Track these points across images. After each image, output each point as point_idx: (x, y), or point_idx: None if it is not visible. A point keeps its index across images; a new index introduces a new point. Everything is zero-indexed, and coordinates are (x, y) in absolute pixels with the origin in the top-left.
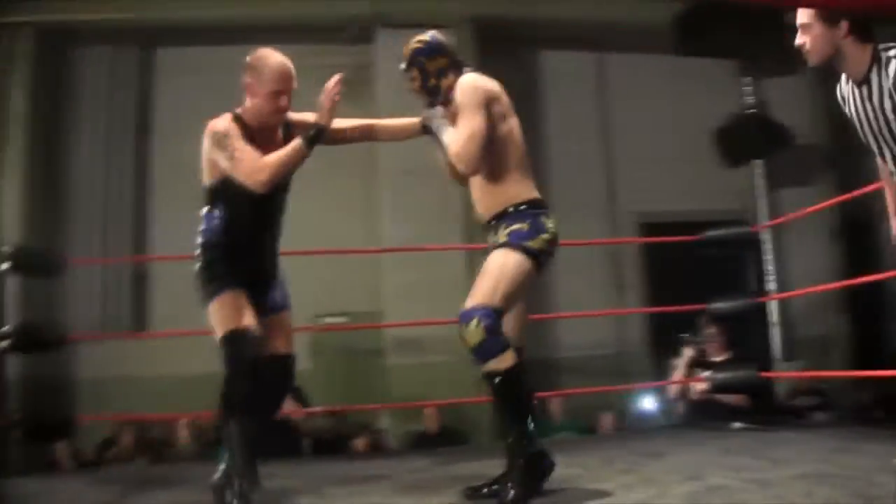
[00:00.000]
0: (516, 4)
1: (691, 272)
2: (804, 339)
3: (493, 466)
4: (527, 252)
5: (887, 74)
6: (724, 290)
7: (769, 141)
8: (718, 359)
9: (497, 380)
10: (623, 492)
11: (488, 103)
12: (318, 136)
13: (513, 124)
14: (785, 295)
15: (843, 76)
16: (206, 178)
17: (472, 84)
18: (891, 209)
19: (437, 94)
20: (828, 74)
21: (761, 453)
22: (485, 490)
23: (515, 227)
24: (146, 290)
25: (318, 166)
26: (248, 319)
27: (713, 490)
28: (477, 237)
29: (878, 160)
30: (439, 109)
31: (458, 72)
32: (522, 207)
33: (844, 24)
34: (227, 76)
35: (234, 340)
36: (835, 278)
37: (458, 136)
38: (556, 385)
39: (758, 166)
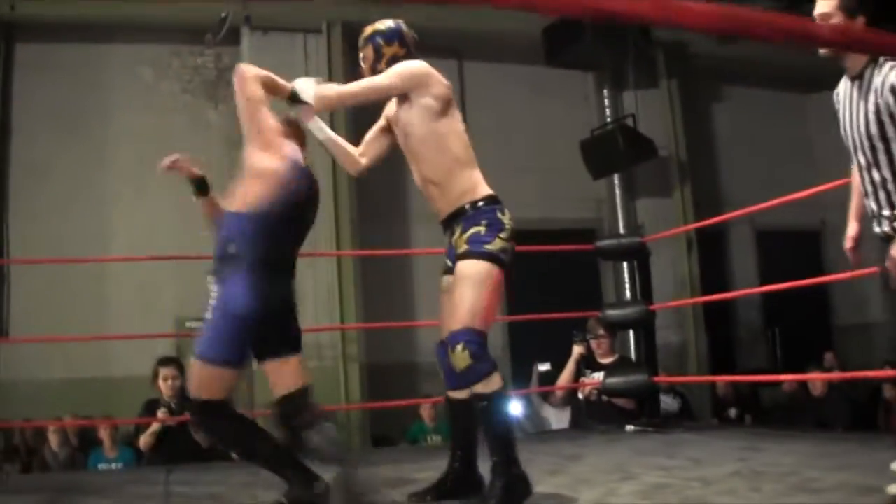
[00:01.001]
0: (382, 11)
1: (545, 280)
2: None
3: None
4: (491, 258)
5: (879, 72)
6: (577, 299)
7: (631, 153)
8: (606, 361)
9: (484, 403)
10: (570, 492)
11: (424, 84)
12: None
13: (459, 119)
14: (662, 305)
15: (844, 76)
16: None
17: (418, 64)
18: (852, 214)
19: None
20: (689, 88)
21: (673, 454)
22: (428, 497)
23: (473, 230)
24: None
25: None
26: None
27: (661, 488)
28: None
29: (853, 167)
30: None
31: None
32: (480, 204)
33: (862, 18)
34: (92, 73)
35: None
36: (689, 288)
37: (358, 83)
38: (422, 390)
39: (617, 177)
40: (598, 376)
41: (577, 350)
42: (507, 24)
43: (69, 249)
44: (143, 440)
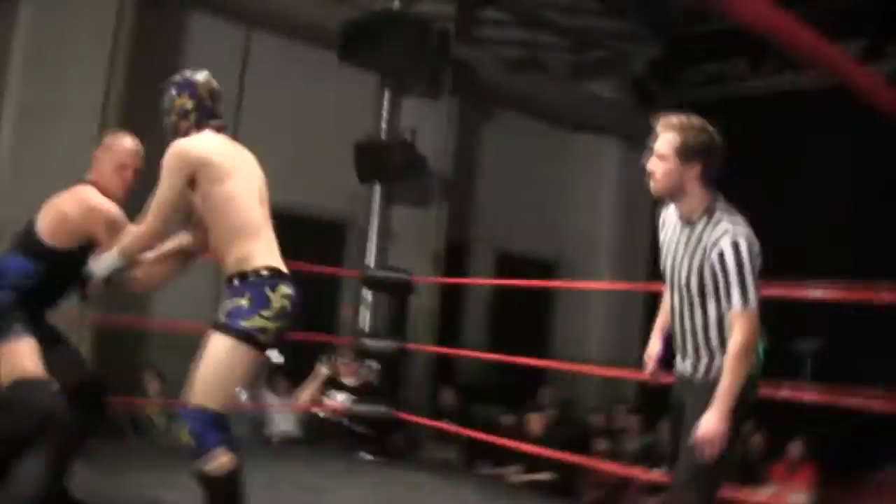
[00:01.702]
0: None
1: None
2: None
3: None
4: (243, 336)
5: (712, 230)
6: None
7: (403, 168)
8: (351, 382)
9: (204, 484)
10: None
11: (193, 171)
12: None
13: (235, 185)
14: (418, 347)
15: (673, 207)
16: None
17: (178, 151)
18: (655, 332)
19: (174, 133)
20: (466, 107)
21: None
22: None
23: (235, 303)
24: None
25: None
26: None
27: None
28: None
29: (666, 288)
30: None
31: (200, 125)
32: (250, 279)
33: (698, 166)
34: None
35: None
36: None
37: (149, 208)
38: None
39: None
40: (341, 397)
41: (323, 371)
42: (305, 6)
43: None
44: None
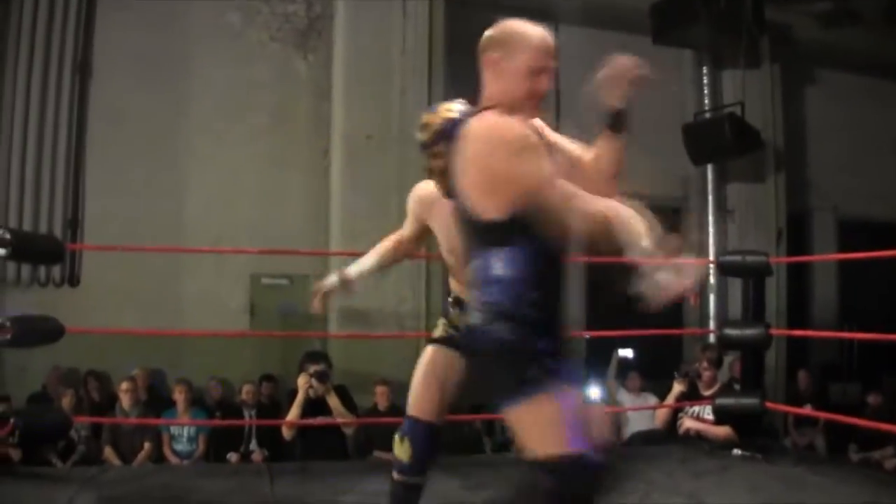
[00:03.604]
0: None
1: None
2: None
3: None
4: None
5: None
6: None
7: (738, 143)
8: (709, 392)
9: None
10: None
11: None
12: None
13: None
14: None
15: None
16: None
17: None
18: None
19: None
20: (789, 73)
21: None
22: None
23: None
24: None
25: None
26: None
27: None
28: None
29: None
30: None
31: None
32: None
33: None
34: (177, 18)
35: None
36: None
37: None
38: None
39: None
40: (698, 410)
41: (677, 387)
42: None
43: (144, 199)
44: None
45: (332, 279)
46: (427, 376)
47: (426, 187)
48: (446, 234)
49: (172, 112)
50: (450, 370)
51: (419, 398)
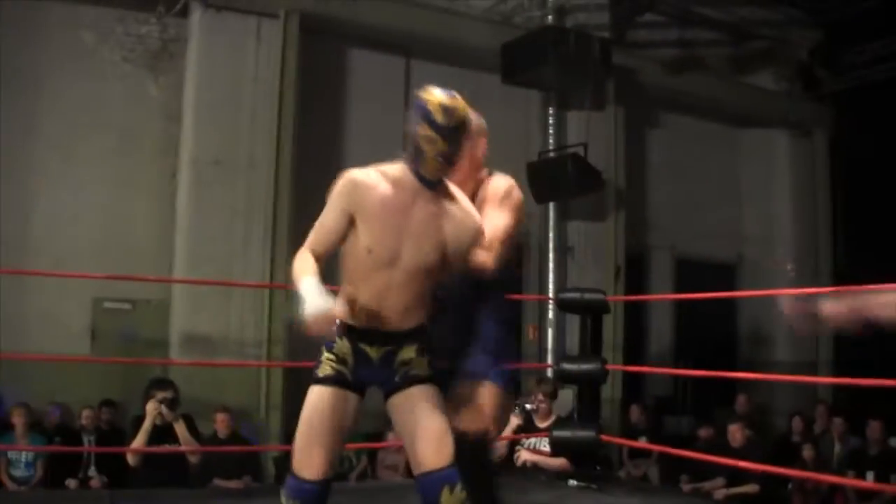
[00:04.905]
0: (343, 3)
1: None
2: None
3: None
4: None
5: None
6: None
7: (579, 183)
8: (545, 424)
9: None
10: None
11: None
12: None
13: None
14: (616, 367)
15: None
16: None
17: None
18: None
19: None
20: (632, 114)
21: None
22: None
23: None
24: None
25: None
26: None
27: None
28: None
29: None
30: None
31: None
32: None
33: None
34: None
35: None
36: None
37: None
38: None
39: None
40: (534, 442)
41: (514, 421)
42: (463, 32)
43: None
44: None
45: (338, 302)
46: (320, 426)
47: (363, 173)
48: (380, 228)
49: (20, 128)
50: (346, 416)
51: (308, 454)
